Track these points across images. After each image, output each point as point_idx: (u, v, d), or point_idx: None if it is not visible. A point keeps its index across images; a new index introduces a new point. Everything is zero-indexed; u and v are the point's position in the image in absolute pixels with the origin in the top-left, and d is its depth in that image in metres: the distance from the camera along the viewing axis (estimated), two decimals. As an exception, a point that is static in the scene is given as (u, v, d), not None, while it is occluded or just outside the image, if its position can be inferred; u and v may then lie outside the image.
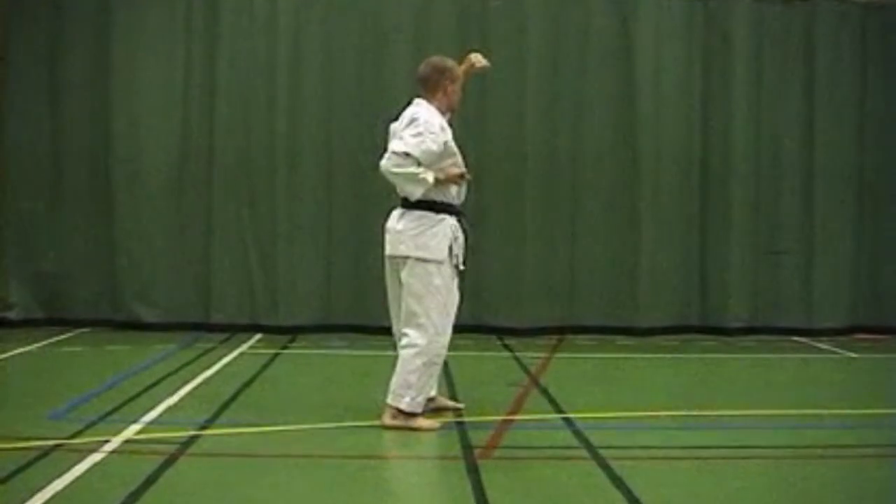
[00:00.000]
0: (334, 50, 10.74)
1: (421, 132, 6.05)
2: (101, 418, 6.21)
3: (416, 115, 6.18)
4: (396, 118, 6.39)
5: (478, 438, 5.83)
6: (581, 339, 10.57)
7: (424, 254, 6.11)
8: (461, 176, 6.30)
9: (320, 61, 10.74)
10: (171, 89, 10.74)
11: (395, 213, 6.25)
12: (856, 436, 6.30)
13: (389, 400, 6.10)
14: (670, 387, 8.29)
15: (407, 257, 6.12)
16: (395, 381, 6.08)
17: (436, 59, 6.41)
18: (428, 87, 6.28)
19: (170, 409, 6.60)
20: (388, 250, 6.23)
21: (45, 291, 10.80)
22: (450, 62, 6.41)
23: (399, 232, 6.15)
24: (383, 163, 6.08)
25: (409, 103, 6.36)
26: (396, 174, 6.07)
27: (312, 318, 10.58)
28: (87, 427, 5.96)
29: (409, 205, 6.17)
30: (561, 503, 4.78)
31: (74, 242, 10.77)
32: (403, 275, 6.14)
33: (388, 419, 6.10)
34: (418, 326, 6.09)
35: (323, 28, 10.75)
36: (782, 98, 11.12)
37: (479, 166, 10.83)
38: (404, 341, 6.12)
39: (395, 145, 6.10)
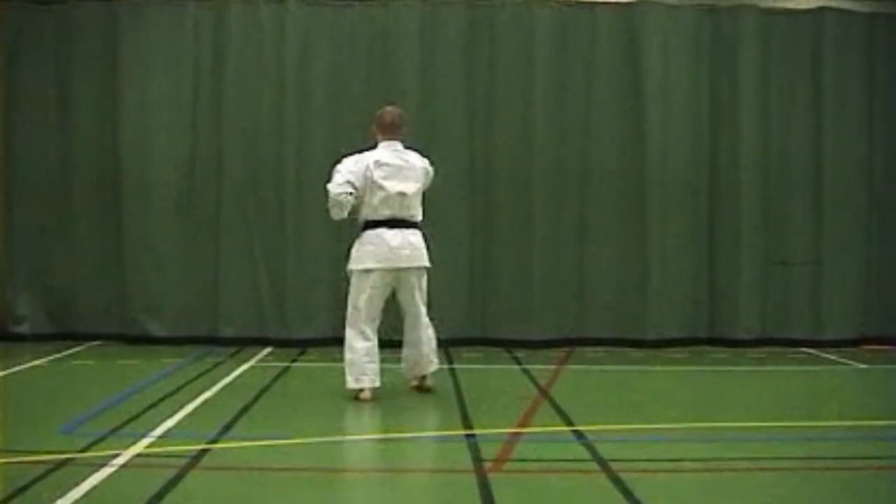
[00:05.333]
0: (342, 62, 10.77)
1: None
2: (112, 432, 6.22)
3: (411, 158, 7.66)
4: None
5: (488, 451, 5.82)
6: (590, 352, 10.55)
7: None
8: None
9: (328, 74, 10.76)
10: (179, 103, 10.75)
11: (404, 231, 7.52)
12: (865, 447, 6.28)
13: (432, 369, 7.73)
14: (680, 399, 8.27)
15: (427, 267, 7.62)
16: (431, 353, 7.66)
17: (396, 108, 7.84)
18: (402, 130, 7.69)
19: (180, 422, 6.61)
20: (408, 262, 7.51)
21: (55, 305, 10.84)
22: None
23: (418, 247, 7.55)
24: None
25: (374, 146, 7.62)
26: None
27: (322, 331, 10.55)
28: (98, 441, 5.98)
29: (414, 224, 7.58)
30: (572, 516, 4.79)
31: (83, 257, 10.80)
32: (416, 278, 7.56)
33: (431, 381, 7.77)
34: (427, 310, 7.69)
35: (331, 41, 10.77)
36: (790, 109, 11.11)
37: (487, 178, 10.91)
38: (426, 321, 7.64)
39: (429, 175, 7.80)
